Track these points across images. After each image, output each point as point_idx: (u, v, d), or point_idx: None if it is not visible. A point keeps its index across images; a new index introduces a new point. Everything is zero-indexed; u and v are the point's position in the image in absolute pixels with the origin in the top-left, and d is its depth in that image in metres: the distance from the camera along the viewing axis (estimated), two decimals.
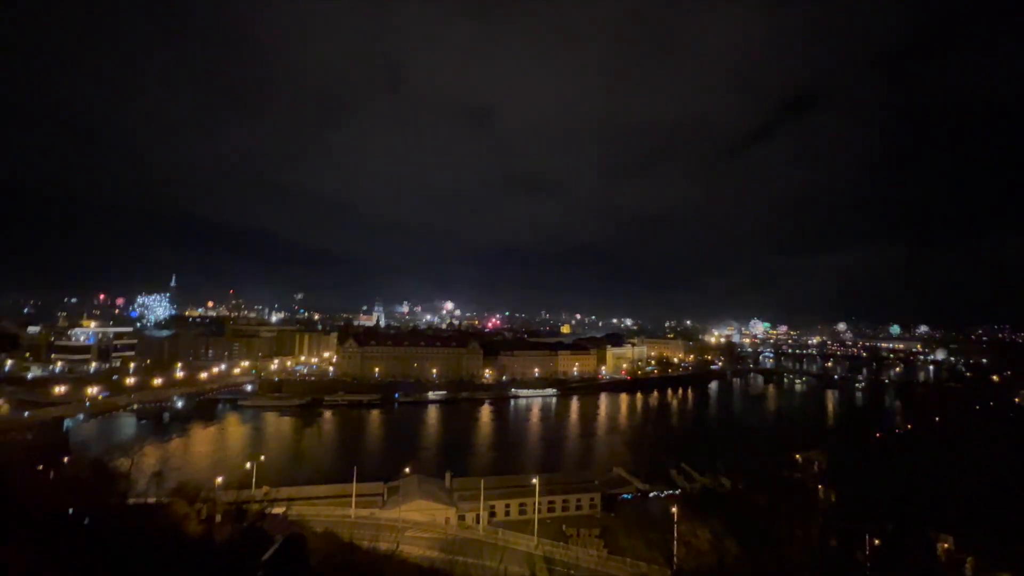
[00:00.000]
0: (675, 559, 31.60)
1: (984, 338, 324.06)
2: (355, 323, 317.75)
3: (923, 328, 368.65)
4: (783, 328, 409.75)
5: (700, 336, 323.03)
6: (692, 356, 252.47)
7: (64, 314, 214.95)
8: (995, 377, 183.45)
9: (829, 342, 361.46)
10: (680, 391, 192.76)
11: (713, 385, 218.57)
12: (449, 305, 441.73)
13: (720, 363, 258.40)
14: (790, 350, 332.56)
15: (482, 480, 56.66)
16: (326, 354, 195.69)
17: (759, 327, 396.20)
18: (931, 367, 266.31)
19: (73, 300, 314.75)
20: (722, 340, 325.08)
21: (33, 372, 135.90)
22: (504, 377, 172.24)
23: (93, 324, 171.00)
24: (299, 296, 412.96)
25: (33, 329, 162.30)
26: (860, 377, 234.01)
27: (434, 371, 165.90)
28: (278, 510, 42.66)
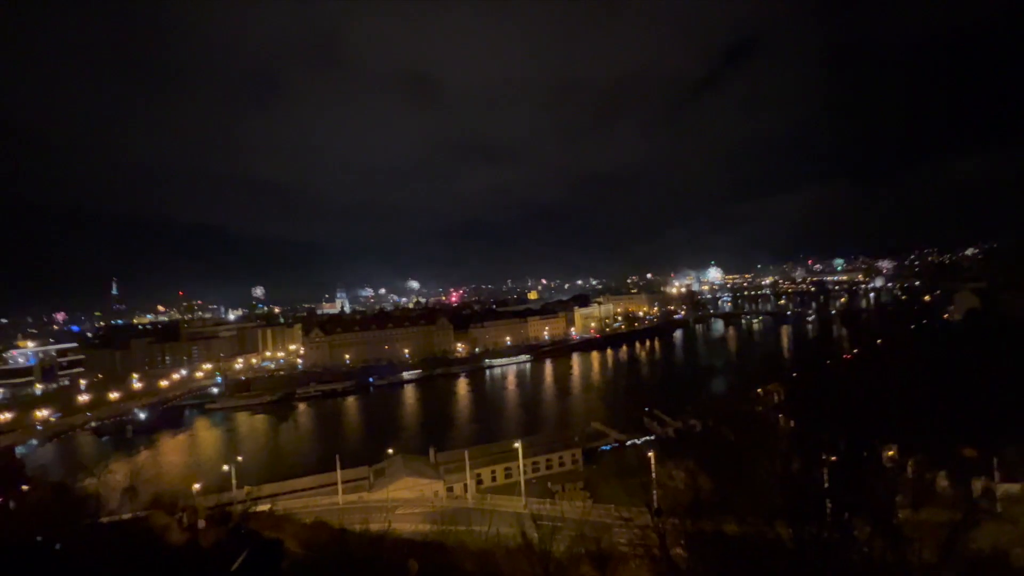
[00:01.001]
0: (654, 501, 33.58)
1: (916, 262, 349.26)
2: (319, 312, 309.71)
3: (863, 258, 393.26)
4: (739, 272, 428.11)
5: (662, 288, 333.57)
6: (656, 308, 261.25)
7: None
8: (926, 297, 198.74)
9: (781, 281, 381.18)
10: (648, 343, 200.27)
11: (678, 334, 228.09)
12: (414, 284, 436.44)
13: (683, 312, 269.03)
14: (746, 292, 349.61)
15: (466, 451, 57.73)
16: (292, 347, 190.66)
17: (716, 273, 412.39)
18: (871, 294, 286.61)
19: (3, 320, 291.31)
20: (683, 290, 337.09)
21: None
22: (477, 349, 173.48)
23: (31, 343, 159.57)
24: (259, 291, 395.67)
25: None
26: (810, 311, 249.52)
27: (406, 351, 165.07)
28: (263, 508, 42.15)
